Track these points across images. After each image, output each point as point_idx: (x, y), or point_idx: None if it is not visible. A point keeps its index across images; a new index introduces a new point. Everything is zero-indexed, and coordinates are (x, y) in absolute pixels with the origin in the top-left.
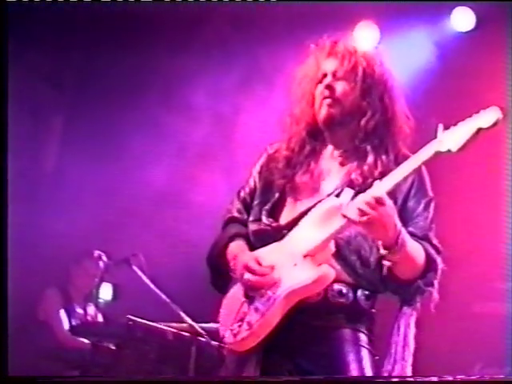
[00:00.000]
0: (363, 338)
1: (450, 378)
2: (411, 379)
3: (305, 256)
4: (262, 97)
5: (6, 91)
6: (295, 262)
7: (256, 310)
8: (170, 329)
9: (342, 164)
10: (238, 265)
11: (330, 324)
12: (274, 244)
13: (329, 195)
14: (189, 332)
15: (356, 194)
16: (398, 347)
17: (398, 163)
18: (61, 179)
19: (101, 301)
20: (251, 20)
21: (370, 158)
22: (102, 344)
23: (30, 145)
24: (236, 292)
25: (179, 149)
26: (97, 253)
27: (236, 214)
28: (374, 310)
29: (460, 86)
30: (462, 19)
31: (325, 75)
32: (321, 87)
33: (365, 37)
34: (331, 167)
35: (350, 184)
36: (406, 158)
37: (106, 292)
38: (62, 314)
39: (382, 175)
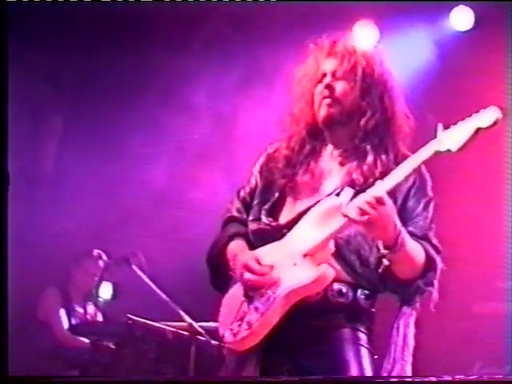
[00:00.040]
0: (363, 337)
1: (449, 378)
2: (410, 379)
3: (304, 255)
4: (261, 96)
5: (6, 91)
6: (295, 262)
7: (256, 309)
8: (169, 328)
9: (341, 164)
10: (237, 264)
11: (329, 323)
12: (274, 243)
13: (329, 195)
14: (188, 331)
15: (356, 194)
16: (398, 347)
17: (397, 163)
18: (61, 179)
19: (100, 300)
20: (251, 20)
21: (370, 158)
22: (101, 343)
23: (30, 145)
24: (236, 291)
25: (179, 148)
26: (96, 252)
27: (235, 214)
28: (373, 310)
29: (459, 85)
30: (461, 18)
31: (324, 75)
32: (320, 87)
33: (364, 36)
34: (331, 167)
35: (350, 184)
36: (405, 157)
37: (105, 291)
38: (62, 313)
39: (382, 175)
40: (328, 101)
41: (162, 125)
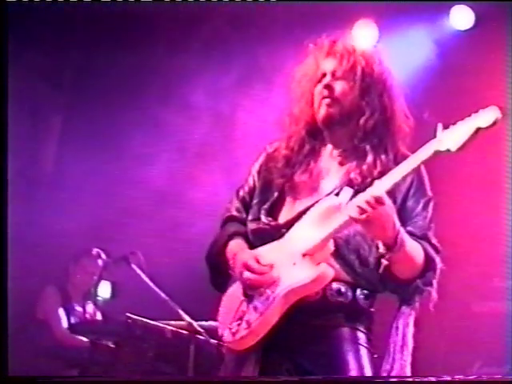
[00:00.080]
0: (362, 336)
1: (449, 378)
2: (410, 379)
3: (304, 255)
4: (261, 96)
5: (6, 91)
6: (294, 261)
7: (255, 308)
8: (168, 327)
9: (341, 163)
10: (237, 263)
11: (328, 323)
12: (273, 243)
13: (328, 194)
14: (187, 330)
15: (355, 194)
16: (397, 347)
17: (397, 163)
18: (60, 179)
19: (99, 299)
20: (250, 20)
21: (370, 158)
22: (100, 342)
23: (30, 145)
24: (235, 291)
25: (179, 148)
26: (95, 251)
27: (235, 213)
28: (372, 310)
29: (459, 84)
30: (461, 17)
31: (324, 75)
32: (320, 87)
33: (364, 36)
34: (330, 166)
35: (349, 183)
36: (405, 157)
37: (104, 290)
38: (61, 312)
39: (382, 175)
40: (327, 101)
41: (162, 124)
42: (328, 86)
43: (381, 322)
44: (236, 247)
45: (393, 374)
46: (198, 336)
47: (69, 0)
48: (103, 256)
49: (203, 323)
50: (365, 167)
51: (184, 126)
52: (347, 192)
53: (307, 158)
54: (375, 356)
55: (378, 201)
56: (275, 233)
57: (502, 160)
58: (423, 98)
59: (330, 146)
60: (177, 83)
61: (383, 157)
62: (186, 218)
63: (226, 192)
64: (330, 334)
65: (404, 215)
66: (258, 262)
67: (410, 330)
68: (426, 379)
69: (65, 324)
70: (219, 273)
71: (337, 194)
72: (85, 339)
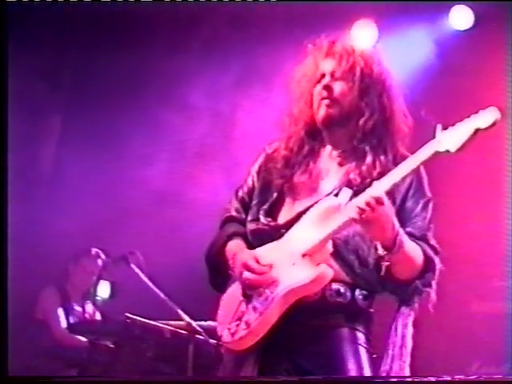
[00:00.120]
0: (361, 336)
1: (448, 378)
2: (409, 379)
3: (303, 255)
4: (260, 96)
5: (6, 91)
6: (293, 262)
7: (254, 309)
8: (167, 327)
9: (340, 164)
10: (236, 263)
11: (327, 323)
12: (273, 243)
13: (327, 195)
14: (186, 330)
15: (354, 194)
16: (396, 347)
17: (396, 163)
18: (60, 179)
19: (99, 299)
20: (250, 20)
21: (369, 159)
22: (99, 342)
23: (30, 145)
24: (234, 291)
25: (178, 148)
26: (95, 251)
27: (234, 214)
28: (371, 310)
29: (459, 84)
30: (461, 17)
31: (323, 75)
32: (319, 87)
33: (363, 36)
34: (330, 167)
35: (349, 184)
36: (404, 158)
37: (103, 290)
38: (60, 312)
39: (381, 175)
40: (327, 101)
41: (161, 124)
42: (327, 87)
43: (380, 322)
44: (235, 247)
45: (392, 374)
46: (197, 336)
47: (69, 0)
48: (102, 256)
49: (202, 323)
50: (364, 168)
51: (184, 126)
52: (346, 193)
53: (306, 158)
54: (374, 356)
55: (378, 201)
56: (274, 233)
57: (501, 161)
58: (422, 98)
59: (329, 147)
60: (176, 83)
61: (382, 157)
62: (186, 218)
63: (226, 192)
64: (329, 334)
65: (403, 216)
66: (257, 261)
67: (409, 330)
68: (425, 379)
69: (64, 324)
70: (218, 273)
71: (336, 195)
72: (84, 339)
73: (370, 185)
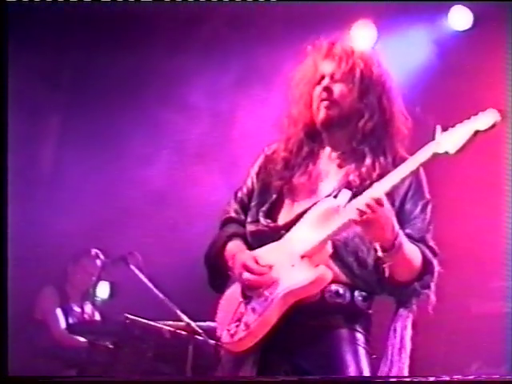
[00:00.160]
0: (360, 337)
1: (448, 378)
2: (409, 379)
3: (302, 257)
4: (260, 96)
5: (6, 91)
6: (293, 263)
7: (253, 310)
8: (167, 327)
9: (339, 166)
10: (236, 263)
11: (327, 324)
12: (272, 244)
13: (326, 197)
14: (186, 330)
15: (353, 196)
16: (395, 349)
17: (395, 165)
18: (60, 179)
19: (98, 299)
20: (250, 20)
21: (368, 160)
22: (99, 342)
23: (30, 145)
24: (233, 292)
25: (178, 148)
26: (94, 251)
27: (233, 215)
28: (370, 311)
29: (458, 84)
30: (460, 18)
31: (322, 77)
32: (319, 89)
33: (362, 36)
34: (329, 169)
35: (348, 186)
36: (403, 159)
37: (103, 290)
38: (59, 312)
39: (380, 177)
40: (326, 103)
41: (161, 124)
42: (327, 89)
43: (379, 323)
44: (235, 248)
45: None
46: (197, 336)
47: (69, 0)
48: (102, 256)
49: (202, 324)
50: (363, 169)
51: (183, 126)
52: (346, 194)
53: (306, 160)
54: (373, 357)
55: (378, 202)
56: (274, 234)
57: (500, 162)
58: (422, 98)
59: (328, 149)
60: (176, 83)
61: (382, 159)
62: (185, 218)
63: (226, 192)
64: (328, 335)
65: (402, 218)
66: (256, 262)
67: (408, 332)
68: (425, 379)
69: (63, 324)
70: (218, 274)
71: (335, 196)
72: (83, 339)
73: (369, 186)
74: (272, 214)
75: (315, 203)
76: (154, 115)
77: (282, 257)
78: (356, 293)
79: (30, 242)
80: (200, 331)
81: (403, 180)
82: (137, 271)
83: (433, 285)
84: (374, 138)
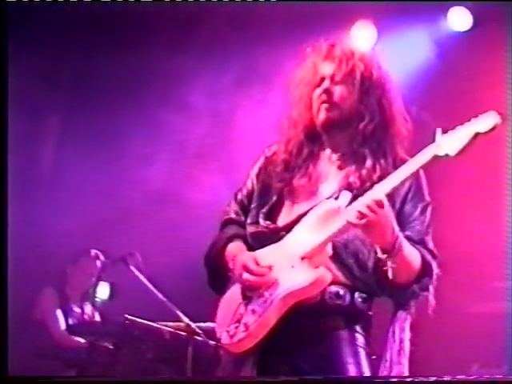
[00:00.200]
0: (360, 338)
1: (448, 378)
2: (409, 379)
3: (302, 258)
4: (260, 97)
5: (6, 91)
6: (293, 264)
7: (253, 311)
8: (166, 328)
9: (340, 168)
10: (236, 264)
11: (327, 325)
12: (273, 245)
13: (327, 198)
14: (186, 331)
15: (354, 198)
16: (394, 352)
17: (396, 167)
18: (60, 179)
19: (98, 300)
20: (249, 20)
21: (369, 162)
22: (99, 343)
23: (30, 145)
24: (233, 293)
25: (178, 148)
26: (94, 252)
27: (233, 216)
28: (370, 313)
29: (458, 85)
30: (460, 19)
31: (322, 79)
32: (319, 91)
33: (362, 37)
34: (329, 171)
35: (348, 187)
36: (404, 161)
37: (103, 291)
38: (59, 313)
39: (380, 179)
40: (326, 105)
41: (161, 124)
42: (327, 91)
43: (379, 324)
44: (236, 249)
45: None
46: (196, 337)
47: (69, 0)
48: (101, 257)
49: (201, 324)
50: (364, 171)
51: (183, 126)
52: (346, 196)
53: (306, 161)
54: (373, 358)
55: (379, 204)
56: (274, 236)
57: (501, 165)
58: (422, 99)
59: (328, 150)
60: (176, 83)
61: (382, 161)
62: (186, 219)
63: (226, 192)
64: (328, 336)
65: (402, 220)
66: (257, 263)
67: (407, 334)
68: (425, 379)
69: (63, 325)
70: (217, 275)
71: (336, 198)
72: (83, 340)
73: (369, 188)
74: (272, 215)
75: (315, 205)
76: (154, 115)
77: (282, 258)
78: (356, 294)
79: (30, 242)
80: (200, 332)
81: (403, 182)
82: (137, 272)
83: (431, 287)
84: (374, 140)
